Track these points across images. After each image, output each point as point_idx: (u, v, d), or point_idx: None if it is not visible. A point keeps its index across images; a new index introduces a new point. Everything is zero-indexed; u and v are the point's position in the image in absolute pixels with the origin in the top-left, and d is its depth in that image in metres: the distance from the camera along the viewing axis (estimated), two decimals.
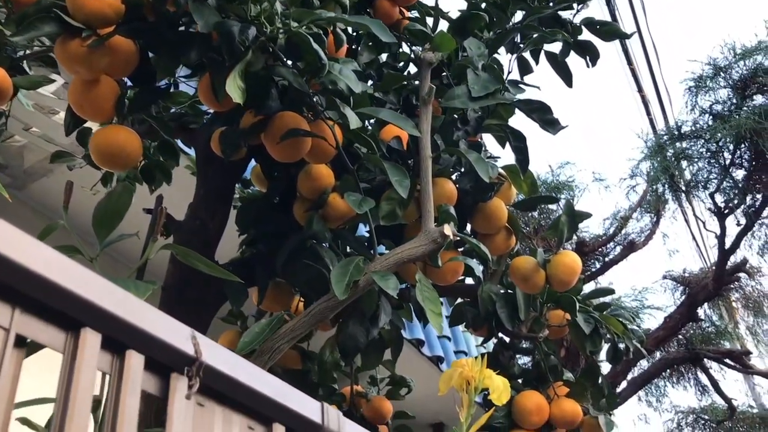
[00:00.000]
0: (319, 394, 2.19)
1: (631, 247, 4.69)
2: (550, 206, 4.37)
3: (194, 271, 1.49)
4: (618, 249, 4.78)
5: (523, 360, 3.66)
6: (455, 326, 2.56)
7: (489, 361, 1.91)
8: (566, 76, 1.85)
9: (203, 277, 1.50)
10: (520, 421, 1.80)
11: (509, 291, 1.86)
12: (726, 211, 3.88)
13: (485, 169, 1.30)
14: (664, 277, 4.83)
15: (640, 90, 4.94)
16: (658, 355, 5.52)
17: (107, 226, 1.15)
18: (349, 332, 1.65)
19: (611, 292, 2.12)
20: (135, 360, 0.46)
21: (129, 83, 1.28)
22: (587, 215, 1.59)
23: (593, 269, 4.73)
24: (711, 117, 3.74)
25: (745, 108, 3.58)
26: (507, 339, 2.01)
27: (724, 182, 3.81)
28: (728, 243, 4.03)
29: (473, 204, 1.57)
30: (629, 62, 4.81)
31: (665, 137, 3.91)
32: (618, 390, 4.72)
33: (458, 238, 1.24)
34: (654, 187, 4.08)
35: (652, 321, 6.63)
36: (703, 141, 3.81)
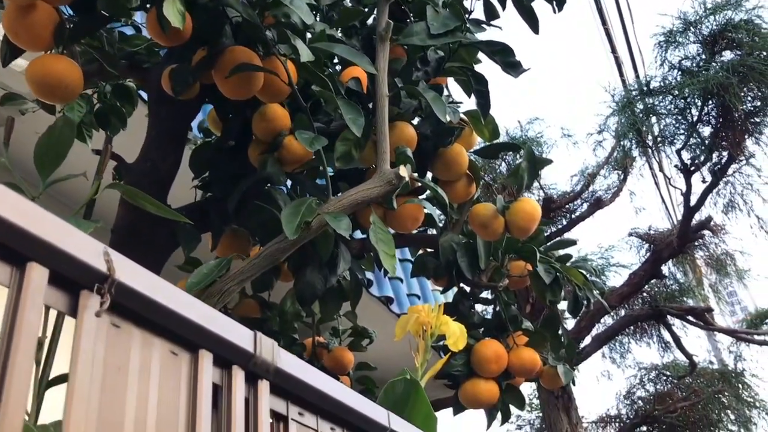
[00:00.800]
0: (279, 344, 2.18)
1: (597, 204, 4.72)
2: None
3: (144, 214, 1.45)
4: (585, 206, 4.81)
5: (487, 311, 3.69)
6: (418, 276, 2.56)
7: (449, 311, 1.92)
8: (532, 22, 1.82)
9: (153, 219, 1.47)
10: (479, 369, 1.81)
11: (470, 240, 1.86)
12: (692, 168, 3.91)
13: (443, 109, 1.27)
14: (630, 235, 4.88)
15: (613, 51, 4.90)
16: (623, 312, 5.62)
17: (50, 163, 1.11)
18: (307, 279, 1.63)
19: (573, 243, 2.12)
20: (36, 273, 0.43)
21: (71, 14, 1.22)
22: (548, 161, 1.58)
23: (560, 226, 4.76)
24: (680, 73, 3.74)
25: (713, 64, 3.58)
26: (468, 289, 2.01)
27: (691, 139, 3.84)
28: (694, 201, 4.08)
29: (433, 149, 1.55)
30: (602, 19, 4.76)
31: (634, 92, 3.90)
32: (582, 345, 4.80)
33: (417, 184, 1.22)
34: (621, 143, 4.09)
35: (618, 279, 6.74)
36: (671, 97, 3.82)
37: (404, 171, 1.17)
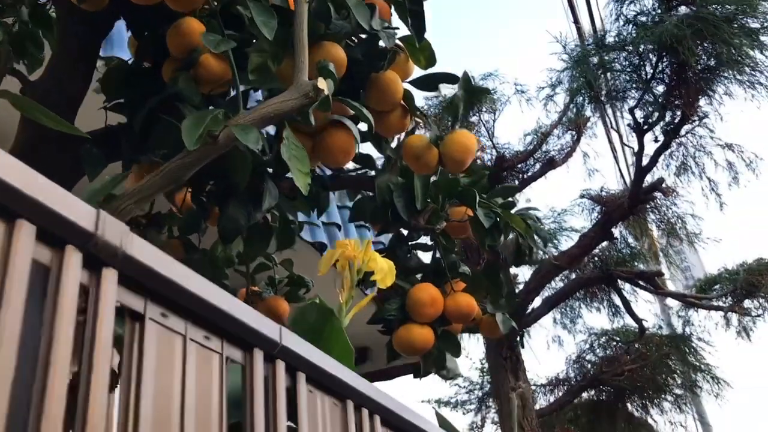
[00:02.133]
0: None
1: (550, 163, 4.70)
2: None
3: (46, 135, 1.34)
4: (538, 166, 4.78)
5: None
6: (357, 222, 2.49)
7: (386, 257, 1.85)
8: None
9: (57, 141, 1.36)
10: (414, 314, 1.76)
11: (408, 182, 1.79)
12: (645, 127, 3.90)
13: (365, 15, 1.19)
14: (582, 197, 4.89)
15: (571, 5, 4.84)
16: (574, 277, 5.65)
17: None
18: (229, 214, 1.55)
19: (517, 190, 2.07)
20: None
21: None
22: (485, 90, 1.53)
23: (511, 186, 4.73)
24: (635, 27, 3.70)
25: (669, 18, 3.54)
26: (406, 233, 1.95)
27: (645, 97, 3.82)
28: (646, 162, 4.07)
29: (366, 75, 1.46)
30: None
31: (590, 47, 3.85)
32: (531, 308, 4.81)
33: (351, 112, 1.13)
34: (575, 100, 4.05)
35: (570, 244, 6.77)
36: (626, 53, 3.79)
37: (323, 83, 1.09)
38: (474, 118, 4.63)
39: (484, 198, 1.93)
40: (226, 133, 1.06)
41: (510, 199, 2.06)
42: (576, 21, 4.62)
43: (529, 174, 4.75)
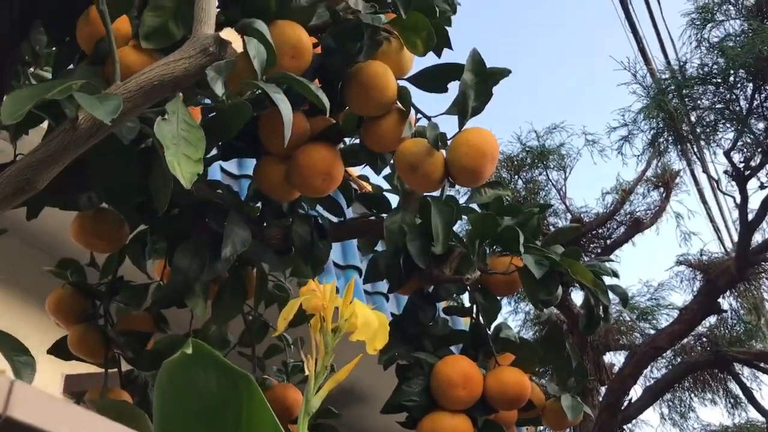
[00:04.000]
0: None
1: (636, 226, 4.20)
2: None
3: None
4: (622, 230, 4.29)
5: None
6: (372, 283, 2.12)
7: (406, 321, 1.46)
8: None
9: None
10: (442, 398, 1.34)
11: (427, 221, 1.41)
12: (746, 173, 3.40)
13: None
14: (679, 263, 4.33)
15: (633, 29, 4.37)
16: (680, 362, 5.01)
17: None
18: (176, 264, 1.21)
19: (577, 229, 1.66)
20: None
21: None
22: (505, 71, 1.14)
23: (593, 254, 4.24)
24: (721, 54, 3.26)
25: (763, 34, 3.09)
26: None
27: (743, 137, 3.34)
28: (752, 216, 3.54)
29: (342, 67, 1.12)
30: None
31: (667, 80, 3.41)
32: (630, 399, 4.21)
33: (277, 90, 0.79)
34: (656, 143, 3.59)
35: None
36: (713, 87, 3.34)
37: (230, 35, 0.76)
38: (541, 177, 4.22)
39: (535, 244, 1.54)
40: (84, 115, 0.73)
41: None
42: (640, 45, 4.17)
43: (613, 239, 4.26)
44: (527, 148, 4.15)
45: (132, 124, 0.85)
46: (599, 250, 4.26)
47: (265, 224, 1.49)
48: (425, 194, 1.44)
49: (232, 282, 1.33)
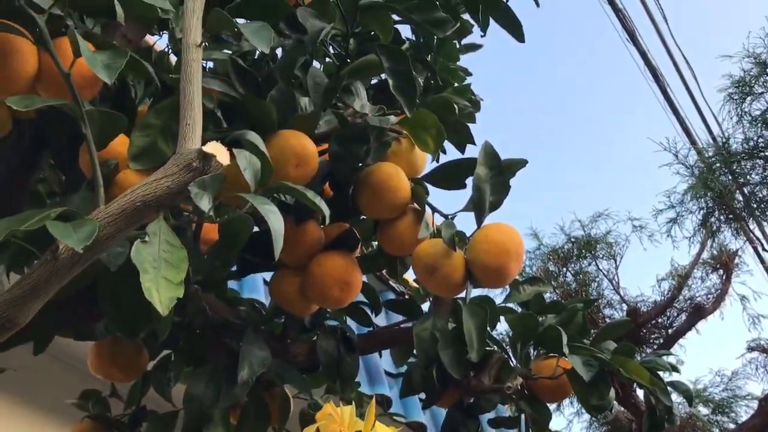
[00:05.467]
0: None
1: (698, 312, 3.98)
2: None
3: None
4: (683, 318, 4.08)
5: None
6: (409, 396, 2.01)
7: None
8: (513, 27, 1.40)
9: None
10: None
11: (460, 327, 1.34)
12: None
13: (264, 39, 0.84)
14: (750, 349, 4.06)
15: (674, 110, 4.31)
16: None
17: None
18: (192, 393, 1.15)
19: (628, 323, 1.55)
20: None
21: None
22: (522, 162, 1.08)
23: (655, 345, 4.02)
24: (765, 127, 3.17)
25: None
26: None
27: None
28: None
29: (350, 171, 1.09)
30: (654, 75, 4.22)
31: (712, 158, 3.31)
32: None
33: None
34: (708, 222, 3.45)
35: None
36: (761, 160, 3.23)
37: (215, 148, 0.73)
38: (591, 268, 4.07)
39: (583, 343, 1.45)
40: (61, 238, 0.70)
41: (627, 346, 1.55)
42: (683, 125, 4.09)
43: (674, 328, 4.05)
44: (572, 239, 4.05)
45: (121, 248, 0.82)
46: (661, 341, 4.05)
47: (289, 341, 1.43)
48: (456, 297, 1.38)
49: (254, 406, 1.26)
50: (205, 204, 0.73)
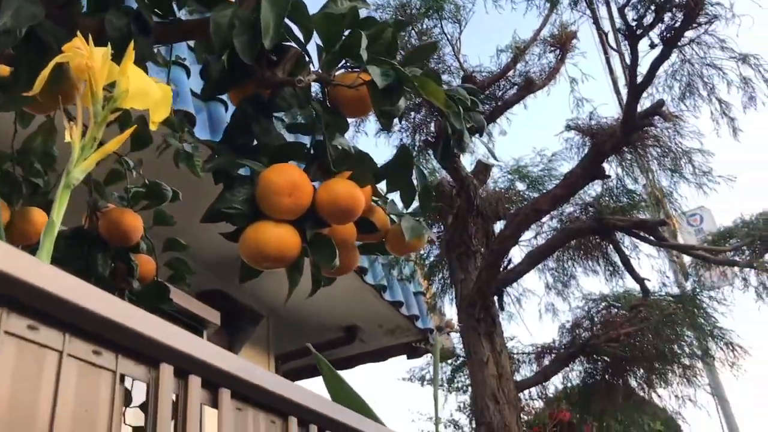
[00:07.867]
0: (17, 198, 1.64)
1: (528, 86, 4.17)
2: None
3: None
4: (515, 90, 4.26)
5: None
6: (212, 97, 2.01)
7: (237, 130, 1.39)
8: None
9: None
10: (266, 206, 1.29)
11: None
12: (638, 31, 3.39)
13: None
14: (568, 128, 4.35)
15: None
16: (561, 227, 5.17)
17: None
18: None
19: (434, 47, 1.59)
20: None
21: None
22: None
23: (483, 114, 4.20)
24: None
25: None
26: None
27: None
28: (642, 78, 3.57)
29: None
30: None
31: None
32: (508, 260, 4.35)
33: None
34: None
35: None
36: None
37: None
38: (436, 30, 4.08)
39: (386, 58, 1.47)
40: None
41: (429, 66, 1.59)
42: None
43: (505, 99, 4.24)
44: None
45: None
46: (490, 111, 4.24)
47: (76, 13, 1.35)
48: None
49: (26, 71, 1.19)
50: None
